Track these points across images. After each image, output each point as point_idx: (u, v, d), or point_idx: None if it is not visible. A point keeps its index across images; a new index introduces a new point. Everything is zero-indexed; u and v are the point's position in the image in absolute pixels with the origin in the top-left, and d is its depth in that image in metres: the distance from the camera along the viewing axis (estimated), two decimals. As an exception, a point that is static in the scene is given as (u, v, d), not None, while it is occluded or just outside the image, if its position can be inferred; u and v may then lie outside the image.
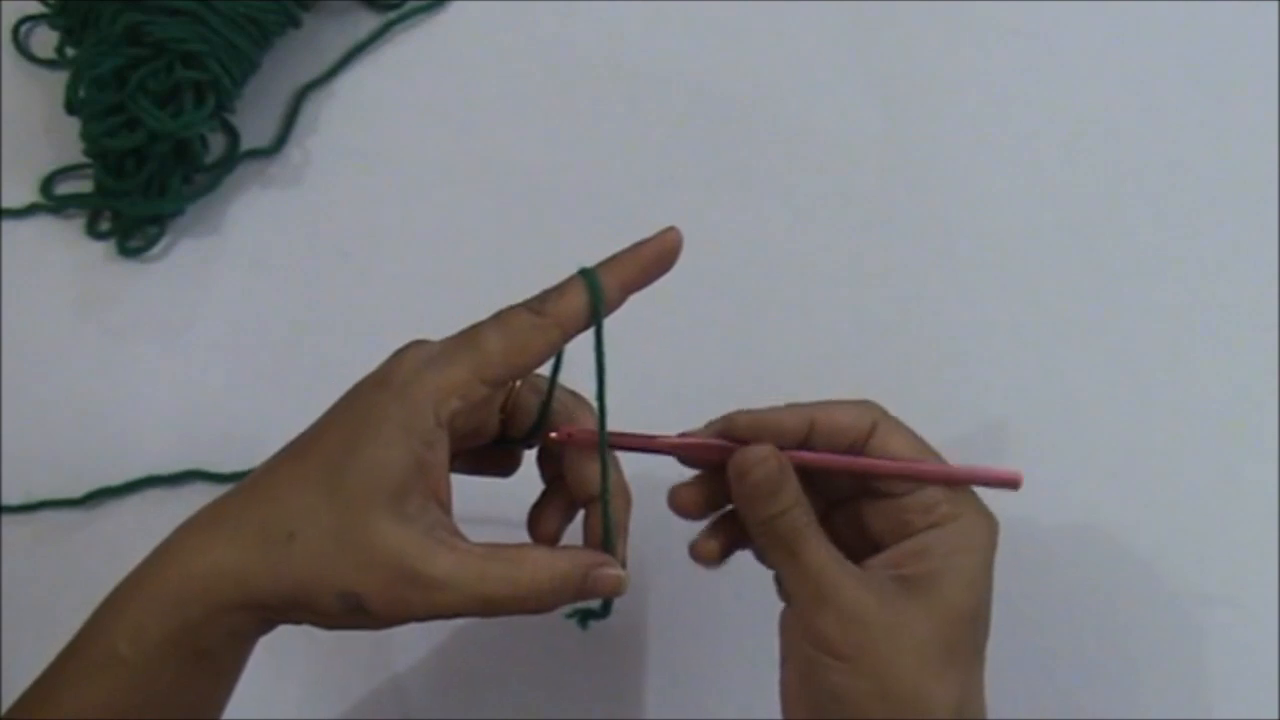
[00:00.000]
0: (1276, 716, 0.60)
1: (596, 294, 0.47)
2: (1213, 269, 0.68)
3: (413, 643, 0.62)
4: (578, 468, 0.50)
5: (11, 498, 0.64)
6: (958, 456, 0.63)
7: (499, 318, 0.47)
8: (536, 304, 0.47)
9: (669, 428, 0.50)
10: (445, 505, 0.46)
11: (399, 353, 0.47)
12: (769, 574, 0.49)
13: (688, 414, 0.50)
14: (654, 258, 0.48)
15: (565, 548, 0.49)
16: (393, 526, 0.44)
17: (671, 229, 0.48)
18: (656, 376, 0.64)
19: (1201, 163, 0.70)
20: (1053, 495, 0.63)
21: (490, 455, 0.52)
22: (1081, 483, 0.64)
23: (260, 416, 0.65)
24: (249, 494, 0.46)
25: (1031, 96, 0.71)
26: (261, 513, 0.45)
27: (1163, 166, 0.70)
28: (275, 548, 0.44)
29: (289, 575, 0.44)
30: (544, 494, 0.52)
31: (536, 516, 0.52)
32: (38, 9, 0.71)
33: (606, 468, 0.48)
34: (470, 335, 0.47)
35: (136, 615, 0.45)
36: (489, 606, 0.45)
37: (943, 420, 0.64)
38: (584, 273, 0.47)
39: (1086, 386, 0.66)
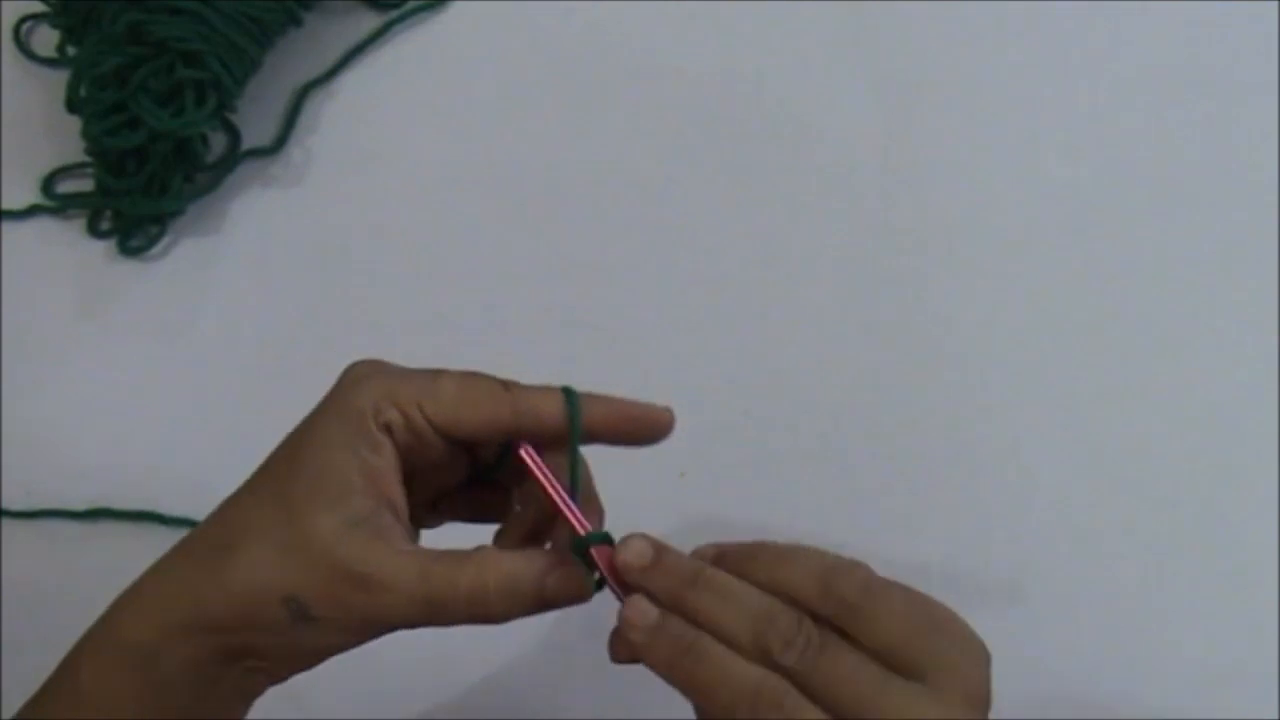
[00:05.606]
0: (1277, 717, 0.60)
1: (574, 404, 0.45)
2: (1213, 269, 0.68)
3: (412, 642, 0.62)
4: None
5: (11, 497, 0.64)
6: (957, 457, 0.63)
7: (466, 371, 0.46)
8: (508, 381, 0.46)
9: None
10: (399, 512, 0.45)
11: (347, 368, 0.47)
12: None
13: (687, 412, 0.50)
14: (639, 417, 0.46)
15: (522, 550, 0.46)
16: (334, 526, 0.43)
17: (669, 410, 0.46)
18: (654, 376, 0.64)
19: (1201, 163, 0.70)
20: (1052, 495, 0.63)
21: (480, 501, 0.50)
22: (1081, 482, 0.64)
23: (260, 416, 0.65)
24: (206, 520, 0.46)
25: (1031, 96, 0.71)
26: (210, 531, 0.45)
27: (1163, 166, 0.70)
28: (218, 559, 0.43)
29: (232, 583, 0.43)
30: (503, 524, 0.50)
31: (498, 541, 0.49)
32: (39, 8, 0.72)
33: (576, 461, 0.46)
34: (431, 370, 0.46)
35: (96, 648, 0.44)
36: (433, 610, 0.43)
37: (942, 420, 0.65)
38: (565, 389, 0.46)
39: (1086, 386, 0.66)
